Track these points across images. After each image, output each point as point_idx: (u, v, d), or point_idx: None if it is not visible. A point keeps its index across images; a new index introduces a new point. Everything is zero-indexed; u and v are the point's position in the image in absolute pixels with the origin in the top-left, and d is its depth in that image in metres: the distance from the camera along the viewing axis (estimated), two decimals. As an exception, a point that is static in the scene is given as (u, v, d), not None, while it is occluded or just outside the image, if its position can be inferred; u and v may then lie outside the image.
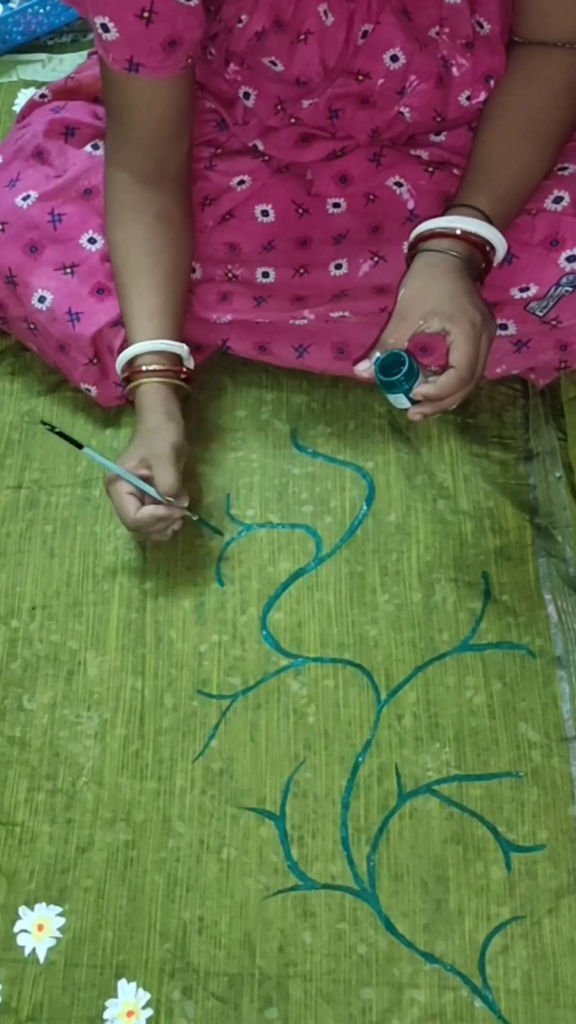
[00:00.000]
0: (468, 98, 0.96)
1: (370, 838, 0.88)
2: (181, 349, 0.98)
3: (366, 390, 1.09)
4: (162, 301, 0.98)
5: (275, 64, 0.93)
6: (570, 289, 0.94)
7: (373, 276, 1.03)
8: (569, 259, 0.94)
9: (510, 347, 1.01)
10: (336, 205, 1.06)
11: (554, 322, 0.97)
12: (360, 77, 0.94)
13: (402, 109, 0.97)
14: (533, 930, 0.84)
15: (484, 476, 1.03)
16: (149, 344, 0.96)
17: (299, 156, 1.04)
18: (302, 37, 0.91)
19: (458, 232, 0.87)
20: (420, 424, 1.07)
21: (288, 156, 1.04)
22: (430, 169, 1.01)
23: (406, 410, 0.86)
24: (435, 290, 0.84)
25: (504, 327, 0.98)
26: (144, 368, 0.96)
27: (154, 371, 0.97)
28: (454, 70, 0.95)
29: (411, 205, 1.02)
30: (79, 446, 0.93)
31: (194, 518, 0.99)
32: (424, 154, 1.03)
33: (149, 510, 0.93)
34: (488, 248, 0.88)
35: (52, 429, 0.93)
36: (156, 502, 0.94)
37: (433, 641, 0.96)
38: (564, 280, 0.94)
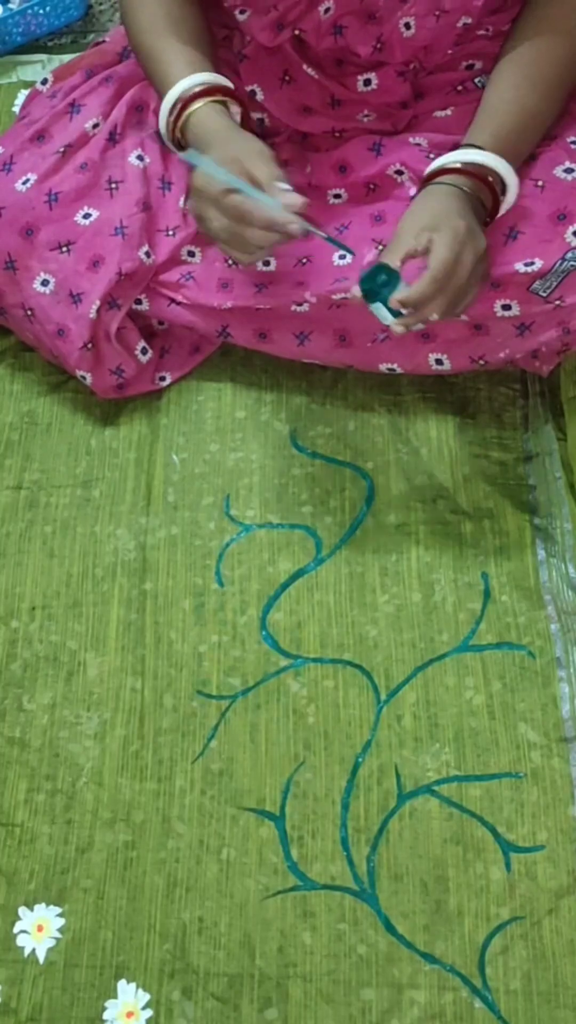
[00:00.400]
0: None
1: (370, 838, 0.88)
2: (227, 83, 0.93)
3: (365, 391, 1.09)
4: (199, 54, 0.95)
5: None
6: (574, 264, 0.94)
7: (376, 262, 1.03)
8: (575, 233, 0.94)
9: (513, 330, 1.00)
10: (336, 196, 1.06)
11: (558, 302, 0.96)
12: None
13: (405, 19, 0.94)
14: (533, 931, 0.84)
15: (484, 477, 1.03)
16: (196, 77, 0.91)
17: (299, 124, 1.04)
18: None
19: (459, 165, 0.88)
20: (419, 425, 1.07)
21: (289, 120, 1.03)
22: (430, 156, 1.01)
23: (392, 323, 0.85)
24: (427, 210, 0.85)
25: (508, 307, 0.97)
26: (206, 88, 0.91)
27: (212, 90, 0.91)
28: None
29: (412, 192, 1.02)
30: (182, 150, 0.86)
31: (319, 234, 0.86)
32: (424, 141, 1.02)
33: (244, 212, 0.83)
34: (491, 178, 0.88)
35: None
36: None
37: (433, 642, 0.96)
38: (569, 255, 0.93)
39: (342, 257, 1.01)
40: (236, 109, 0.93)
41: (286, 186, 0.82)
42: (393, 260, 0.84)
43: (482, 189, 0.88)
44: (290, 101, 1.03)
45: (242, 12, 0.98)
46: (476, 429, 1.06)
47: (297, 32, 0.98)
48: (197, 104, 0.91)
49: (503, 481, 1.03)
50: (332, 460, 1.06)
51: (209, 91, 0.91)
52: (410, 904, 0.86)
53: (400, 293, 0.82)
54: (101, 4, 1.52)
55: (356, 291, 0.84)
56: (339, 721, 0.93)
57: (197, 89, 0.91)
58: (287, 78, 1.02)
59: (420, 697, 0.94)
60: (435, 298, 0.82)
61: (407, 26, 0.95)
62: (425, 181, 0.91)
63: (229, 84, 0.93)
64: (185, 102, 0.91)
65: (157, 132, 1.06)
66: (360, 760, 0.91)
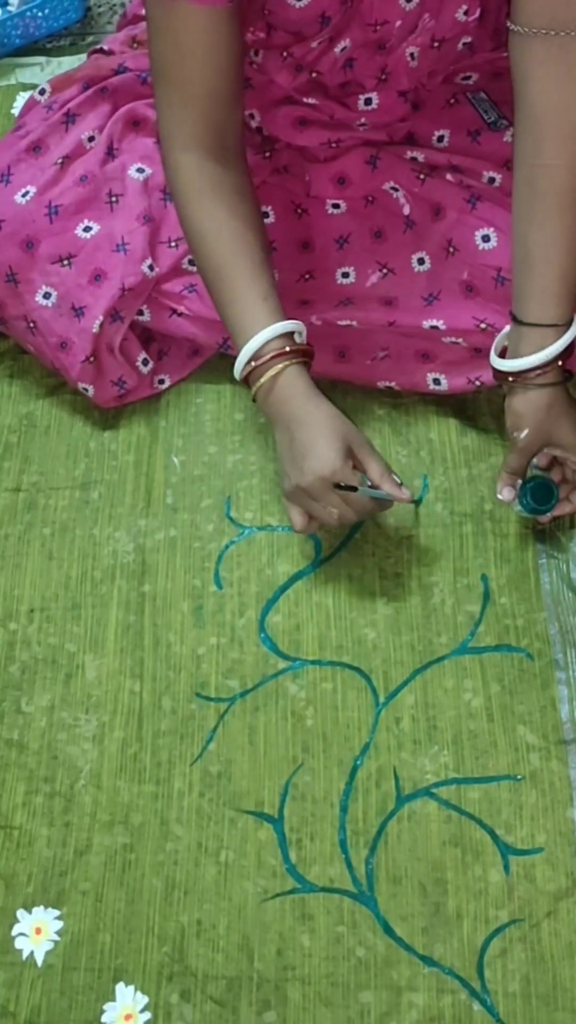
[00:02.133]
0: (465, 13, 0.92)
1: (368, 841, 0.88)
2: (300, 326, 0.93)
3: (365, 392, 1.09)
4: (268, 282, 0.92)
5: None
6: None
7: (381, 288, 1.03)
8: None
9: None
10: (336, 206, 1.06)
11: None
12: (377, 27, 0.92)
13: (410, 49, 0.95)
14: (531, 933, 0.84)
15: (484, 479, 1.03)
16: (280, 326, 0.90)
17: (295, 138, 1.04)
18: None
19: (560, 364, 0.89)
20: (419, 427, 1.07)
21: (285, 136, 1.04)
22: (421, 176, 1.01)
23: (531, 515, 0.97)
24: (559, 430, 0.91)
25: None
26: (286, 349, 0.90)
27: (293, 352, 0.91)
28: None
29: (407, 211, 1.03)
30: (355, 489, 0.89)
31: (416, 503, 1.02)
32: (420, 156, 1.03)
33: (366, 503, 0.91)
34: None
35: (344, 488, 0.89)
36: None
37: (431, 644, 0.96)
38: None
39: (345, 276, 1.03)
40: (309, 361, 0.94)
41: (397, 479, 0.92)
42: (518, 467, 0.94)
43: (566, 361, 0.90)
44: (287, 118, 1.03)
45: (256, 53, 0.98)
46: (476, 431, 1.06)
47: (314, 75, 0.98)
48: (286, 363, 0.90)
49: (502, 483, 1.03)
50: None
51: (293, 352, 0.91)
52: (409, 907, 0.86)
53: (565, 509, 0.97)
54: (100, 6, 1.52)
55: (507, 497, 0.95)
56: (338, 723, 0.93)
57: (281, 344, 0.90)
58: (287, 100, 1.03)
59: (419, 699, 0.93)
60: None
61: (412, 56, 0.95)
62: (522, 376, 0.90)
63: (301, 329, 0.92)
64: (274, 358, 0.90)
65: (157, 143, 1.06)
66: (359, 763, 0.91)
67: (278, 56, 0.97)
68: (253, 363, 0.91)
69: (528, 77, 0.85)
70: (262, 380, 0.91)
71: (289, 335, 0.91)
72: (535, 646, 0.95)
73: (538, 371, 0.89)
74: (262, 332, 0.89)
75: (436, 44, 0.94)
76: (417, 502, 1.02)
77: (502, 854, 0.87)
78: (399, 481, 0.91)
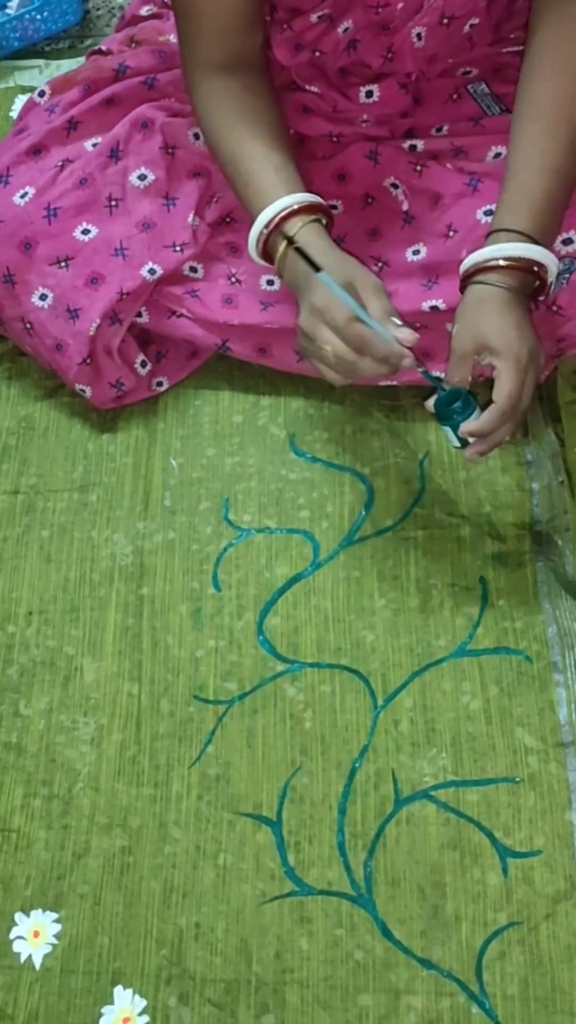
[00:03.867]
0: None
1: (367, 844, 0.88)
2: (316, 197, 0.91)
3: (363, 395, 1.09)
4: (282, 157, 0.92)
5: None
6: (568, 275, 0.94)
7: None
8: (565, 242, 0.94)
9: None
10: (333, 207, 1.06)
11: (554, 308, 0.97)
12: (380, 9, 0.92)
13: (417, 29, 0.94)
14: (530, 936, 0.84)
15: (482, 481, 1.03)
16: (296, 197, 0.89)
17: (298, 125, 1.04)
18: None
19: (502, 263, 0.85)
20: (417, 429, 1.07)
21: (289, 123, 1.03)
22: (418, 168, 1.01)
23: (459, 448, 0.88)
24: (484, 326, 0.84)
25: None
26: (294, 207, 0.89)
27: (302, 210, 0.89)
28: None
29: (405, 207, 1.03)
30: (317, 269, 0.83)
31: (419, 369, 0.86)
32: (420, 144, 1.02)
33: (359, 332, 0.82)
34: (536, 268, 0.86)
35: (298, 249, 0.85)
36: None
37: (430, 646, 0.96)
38: (561, 264, 0.93)
39: None
40: (327, 223, 0.92)
41: (399, 321, 0.83)
42: (464, 379, 0.86)
43: (527, 279, 0.86)
44: (291, 104, 1.03)
45: None
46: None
47: (317, 54, 0.98)
48: (297, 223, 0.89)
49: (502, 486, 1.03)
50: (332, 465, 1.06)
51: (308, 209, 0.89)
52: (407, 910, 0.86)
53: (470, 424, 0.84)
54: (98, 9, 1.52)
55: (429, 405, 0.87)
56: (336, 726, 0.93)
57: (296, 206, 0.89)
58: (292, 87, 1.03)
59: (417, 702, 0.93)
60: (503, 426, 0.84)
61: (418, 36, 0.95)
62: (468, 276, 0.88)
63: (321, 200, 0.91)
64: (283, 218, 0.89)
65: (163, 148, 1.06)
66: (357, 765, 0.91)
67: (278, 29, 0.97)
68: (265, 231, 0.90)
69: (536, 23, 0.89)
70: (280, 249, 0.89)
71: (308, 203, 0.89)
72: (533, 648, 0.95)
73: (481, 267, 0.86)
74: (275, 203, 0.89)
75: (446, 21, 0.94)
76: (436, 382, 0.88)
77: (501, 857, 0.87)
78: (400, 323, 0.83)
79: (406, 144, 1.03)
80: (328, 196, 1.06)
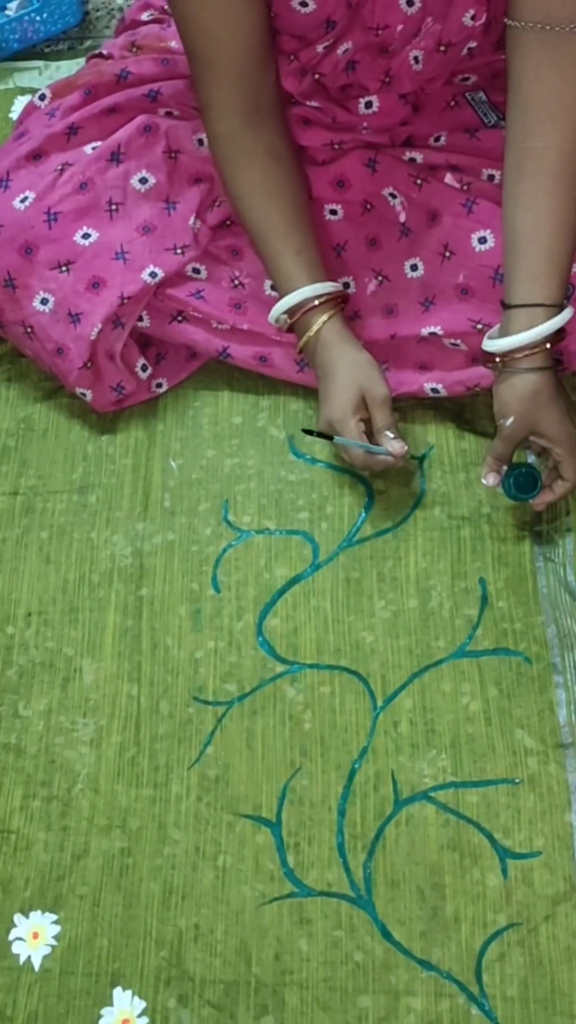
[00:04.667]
0: (472, 18, 0.92)
1: (366, 845, 0.88)
2: (337, 287, 0.99)
3: (362, 396, 1.09)
4: (303, 239, 0.99)
5: (305, 5, 0.91)
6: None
7: (380, 295, 1.04)
8: None
9: None
10: (333, 212, 1.06)
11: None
12: (379, 31, 0.93)
13: (414, 53, 0.95)
14: (530, 937, 0.84)
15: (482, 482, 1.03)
16: (317, 287, 0.97)
17: (299, 137, 1.04)
18: None
19: (548, 346, 0.89)
20: (417, 430, 1.07)
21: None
22: (418, 181, 1.02)
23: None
24: (540, 418, 0.91)
25: None
26: (318, 304, 0.97)
27: (327, 305, 0.98)
28: None
29: (403, 218, 1.03)
30: (330, 439, 0.97)
31: (415, 458, 1.05)
32: (419, 156, 1.03)
33: (360, 453, 0.97)
34: (566, 332, 0.90)
35: (309, 433, 0.98)
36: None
37: (429, 647, 0.96)
38: None
39: (346, 286, 1.04)
40: (343, 306, 1.00)
41: (392, 434, 0.96)
42: (504, 455, 0.94)
43: (556, 345, 0.90)
44: (291, 117, 1.03)
45: None
46: (474, 435, 1.06)
47: (317, 77, 0.98)
48: (320, 316, 0.98)
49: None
50: (331, 466, 1.06)
51: (331, 301, 0.98)
52: (407, 911, 0.86)
53: (546, 497, 0.95)
54: (98, 11, 1.53)
55: (491, 483, 0.95)
56: (335, 727, 0.93)
57: (316, 302, 0.97)
58: (291, 102, 1.03)
59: (416, 703, 0.93)
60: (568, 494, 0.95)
61: (415, 60, 0.95)
62: (509, 358, 0.90)
63: (338, 287, 0.99)
64: (308, 313, 0.98)
65: (166, 152, 1.06)
66: (356, 766, 0.91)
67: (284, 61, 0.98)
68: (288, 319, 0.99)
69: (522, 67, 0.87)
70: (307, 337, 0.98)
71: (327, 292, 0.98)
72: (533, 650, 0.95)
73: (525, 352, 0.88)
74: (299, 291, 0.97)
75: (442, 48, 0.95)
76: (419, 459, 1.05)
77: (500, 858, 0.87)
78: (393, 436, 0.96)
79: (406, 156, 1.03)
80: (328, 201, 1.06)
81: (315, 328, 0.97)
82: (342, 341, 0.97)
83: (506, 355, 0.90)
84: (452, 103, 1.04)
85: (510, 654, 0.95)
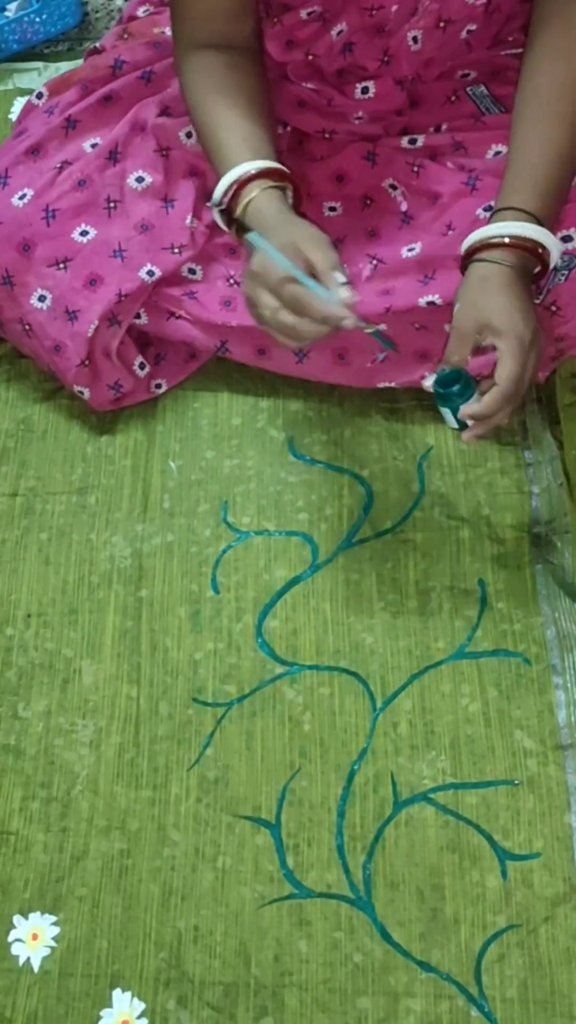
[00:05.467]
0: None
1: (366, 846, 0.88)
2: (283, 167, 0.89)
3: (362, 397, 1.09)
4: (252, 127, 0.91)
5: None
6: (566, 273, 0.94)
7: (376, 280, 1.03)
8: (564, 239, 0.94)
9: None
10: (332, 209, 1.06)
11: (553, 308, 0.97)
12: (374, 11, 0.92)
13: (413, 32, 0.95)
14: (529, 939, 0.84)
15: (481, 484, 1.03)
16: (252, 164, 0.87)
17: (293, 118, 1.04)
18: None
19: (507, 240, 0.84)
20: (416, 432, 1.07)
21: (285, 115, 1.04)
22: (416, 168, 1.01)
23: (459, 431, 0.86)
24: (487, 305, 0.83)
25: None
26: (251, 172, 0.87)
27: (260, 175, 0.87)
28: None
29: (404, 207, 1.03)
30: (247, 230, 0.83)
31: (367, 330, 0.81)
32: (420, 139, 1.02)
33: (299, 294, 0.78)
34: (540, 250, 0.85)
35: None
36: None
37: (429, 649, 0.96)
38: (560, 261, 0.93)
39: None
40: (291, 193, 0.90)
41: (342, 278, 0.78)
42: (464, 357, 0.84)
43: (530, 260, 0.85)
44: (287, 97, 1.03)
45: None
46: (472, 436, 1.06)
47: (310, 57, 0.98)
48: (255, 189, 0.87)
49: (501, 488, 1.03)
50: (331, 467, 1.06)
51: (266, 174, 0.88)
52: (406, 912, 0.86)
53: (470, 407, 0.82)
54: (97, 12, 1.53)
55: (427, 384, 0.84)
56: (335, 728, 0.93)
57: (254, 171, 0.87)
58: (287, 79, 1.03)
59: (416, 704, 0.93)
60: (504, 409, 0.82)
61: (414, 40, 0.95)
62: (471, 253, 0.87)
63: (285, 168, 0.89)
64: (241, 184, 0.87)
65: (157, 150, 1.06)
66: (356, 768, 0.91)
67: (269, 23, 0.97)
68: (225, 199, 0.88)
69: (538, 13, 0.89)
70: (235, 213, 0.87)
71: (271, 170, 0.88)
72: (532, 651, 0.95)
73: (486, 245, 0.85)
74: (233, 170, 0.87)
75: (442, 25, 0.94)
76: (387, 344, 0.86)
77: (500, 859, 0.87)
78: (343, 279, 0.78)
79: (405, 140, 1.03)
80: (327, 198, 1.06)
81: (249, 197, 0.86)
82: (277, 210, 0.85)
83: (468, 250, 0.87)
84: (453, 98, 1.04)
85: (509, 655, 0.95)
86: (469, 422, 0.83)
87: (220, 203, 0.89)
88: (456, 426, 0.85)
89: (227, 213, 0.90)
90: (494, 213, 0.87)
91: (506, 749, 0.91)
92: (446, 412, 0.85)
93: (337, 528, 1.02)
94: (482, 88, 1.03)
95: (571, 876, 0.86)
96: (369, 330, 0.81)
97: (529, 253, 0.85)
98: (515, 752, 0.91)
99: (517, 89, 0.91)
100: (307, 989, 0.84)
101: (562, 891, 0.85)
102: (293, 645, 0.97)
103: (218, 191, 0.89)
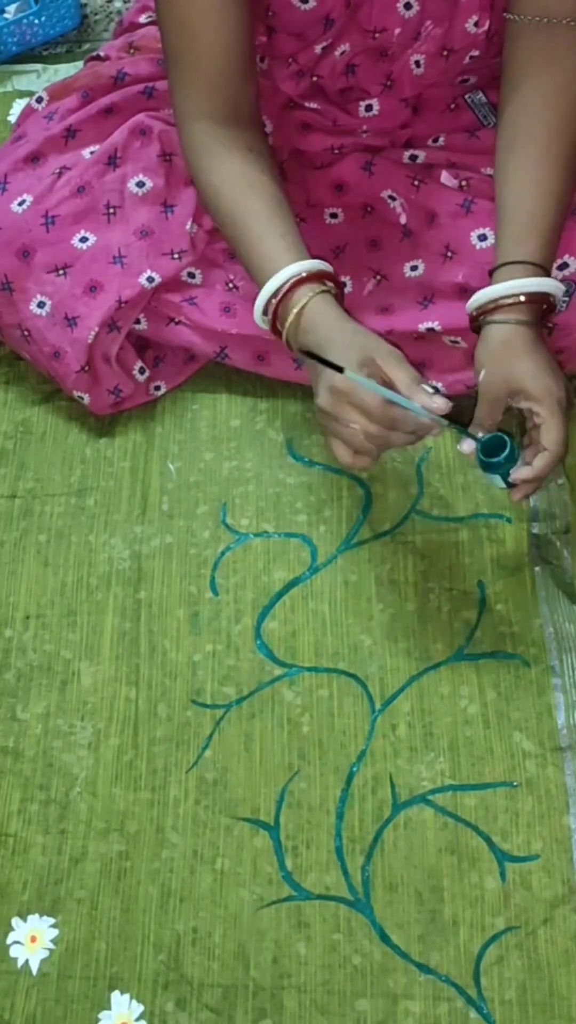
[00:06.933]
0: (475, 24, 0.92)
1: (364, 848, 0.88)
2: (326, 265, 0.88)
3: (360, 399, 1.09)
4: (285, 224, 0.89)
5: (305, 1, 0.90)
6: (567, 300, 0.94)
7: (377, 295, 1.03)
8: (560, 267, 0.94)
9: None
10: (333, 216, 1.06)
11: (549, 325, 0.97)
12: (376, 34, 0.93)
13: (415, 57, 0.95)
14: (528, 941, 0.84)
15: (480, 485, 1.03)
16: (303, 265, 0.86)
17: (299, 143, 1.04)
18: None
19: (522, 299, 0.85)
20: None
21: (290, 141, 1.04)
22: (416, 183, 1.02)
23: (504, 489, 0.87)
24: (517, 371, 0.84)
25: None
26: (303, 276, 0.85)
27: (311, 278, 0.86)
28: None
29: (404, 220, 1.03)
30: (340, 369, 0.77)
31: (452, 428, 0.84)
32: (419, 155, 1.03)
33: (387, 410, 0.79)
34: (551, 297, 0.87)
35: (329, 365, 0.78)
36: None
37: (428, 650, 0.96)
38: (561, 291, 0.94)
39: (343, 286, 1.03)
40: (336, 292, 0.89)
41: (429, 388, 0.80)
42: (491, 420, 0.86)
43: (539, 309, 0.86)
44: (292, 122, 1.04)
45: (262, 60, 0.98)
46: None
47: (315, 78, 0.98)
48: (306, 294, 0.85)
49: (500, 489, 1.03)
50: (330, 469, 1.06)
51: (316, 277, 0.86)
52: (405, 914, 0.85)
53: (523, 472, 0.84)
54: (96, 14, 1.53)
55: (465, 449, 0.86)
56: (334, 730, 0.93)
57: (304, 274, 0.85)
58: (291, 106, 1.03)
59: (415, 706, 0.93)
60: (551, 470, 0.84)
61: (417, 64, 0.95)
62: (483, 312, 0.86)
63: (328, 268, 0.88)
64: (290, 288, 0.85)
65: (161, 155, 1.06)
66: (355, 769, 0.91)
67: (283, 64, 0.98)
68: (274, 301, 0.86)
69: (517, 55, 0.89)
70: (289, 319, 0.85)
71: (315, 271, 0.86)
72: (531, 652, 0.95)
73: (498, 303, 0.85)
74: (283, 270, 0.85)
75: (445, 53, 0.94)
76: (470, 436, 0.86)
77: (498, 861, 0.87)
78: (431, 390, 0.80)
79: (406, 155, 1.03)
80: (327, 206, 1.06)
81: (301, 304, 0.85)
82: (336, 318, 0.85)
83: (481, 309, 0.87)
84: (452, 106, 1.04)
85: (508, 657, 0.95)
86: (516, 480, 0.85)
87: (266, 310, 0.87)
88: (503, 486, 0.86)
89: (272, 316, 0.88)
90: (500, 266, 0.87)
91: (505, 751, 0.91)
92: (492, 477, 0.86)
93: (336, 530, 1.02)
94: (480, 95, 1.04)
95: (570, 878, 0.86)
96: (456, 428, 0.84)
97: (539, 304, 0.86)
98: (514, 754, 0.91)
99: (501, 126, 0.91)
100: (306, 991, 0.84)
101: (561, 893, 0.85)
102: (292, 647, 0.97)
103: (265, 293, 0.87)
